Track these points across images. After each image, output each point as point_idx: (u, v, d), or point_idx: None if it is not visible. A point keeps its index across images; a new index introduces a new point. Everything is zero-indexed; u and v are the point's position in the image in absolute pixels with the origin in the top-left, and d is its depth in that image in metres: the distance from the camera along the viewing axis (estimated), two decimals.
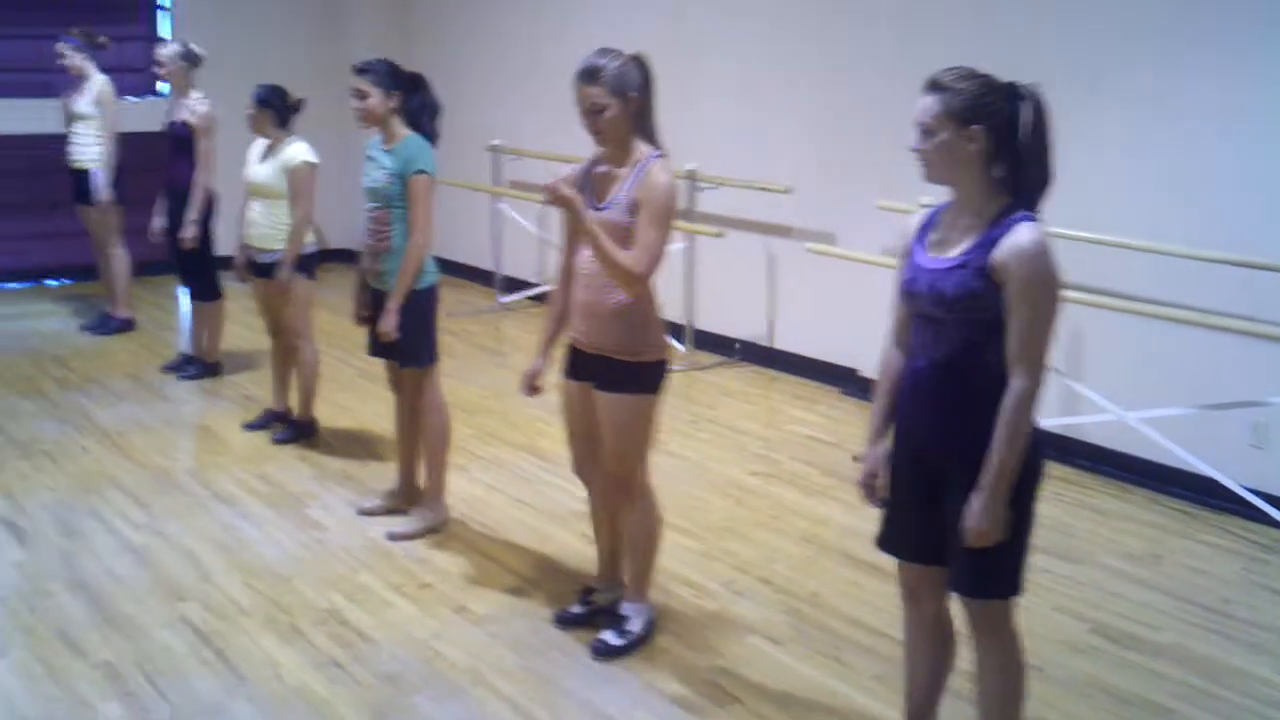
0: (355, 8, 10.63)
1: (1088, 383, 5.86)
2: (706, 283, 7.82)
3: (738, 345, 7.97)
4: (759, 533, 5.22)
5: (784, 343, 7.74)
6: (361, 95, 4.79)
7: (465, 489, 5.50)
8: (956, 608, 3.20)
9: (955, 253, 2.96)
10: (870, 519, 5.24)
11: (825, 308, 7.38)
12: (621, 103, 3.77)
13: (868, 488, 3.28)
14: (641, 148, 3.85)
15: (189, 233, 6.93)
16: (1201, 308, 5.41)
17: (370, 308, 5.02)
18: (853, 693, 3.93)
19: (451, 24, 10.17)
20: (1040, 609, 4.44)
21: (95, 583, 4.56)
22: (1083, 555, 4.99)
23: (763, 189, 7.35)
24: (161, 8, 9.98)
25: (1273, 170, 5.30)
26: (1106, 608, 4.56)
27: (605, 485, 4.16)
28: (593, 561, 4.53)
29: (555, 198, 3.73)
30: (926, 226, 3.10)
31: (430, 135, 4.92)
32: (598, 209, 3.84)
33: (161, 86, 9.81)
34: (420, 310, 4.89)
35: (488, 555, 4.91)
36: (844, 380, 7.30)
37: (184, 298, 8.25)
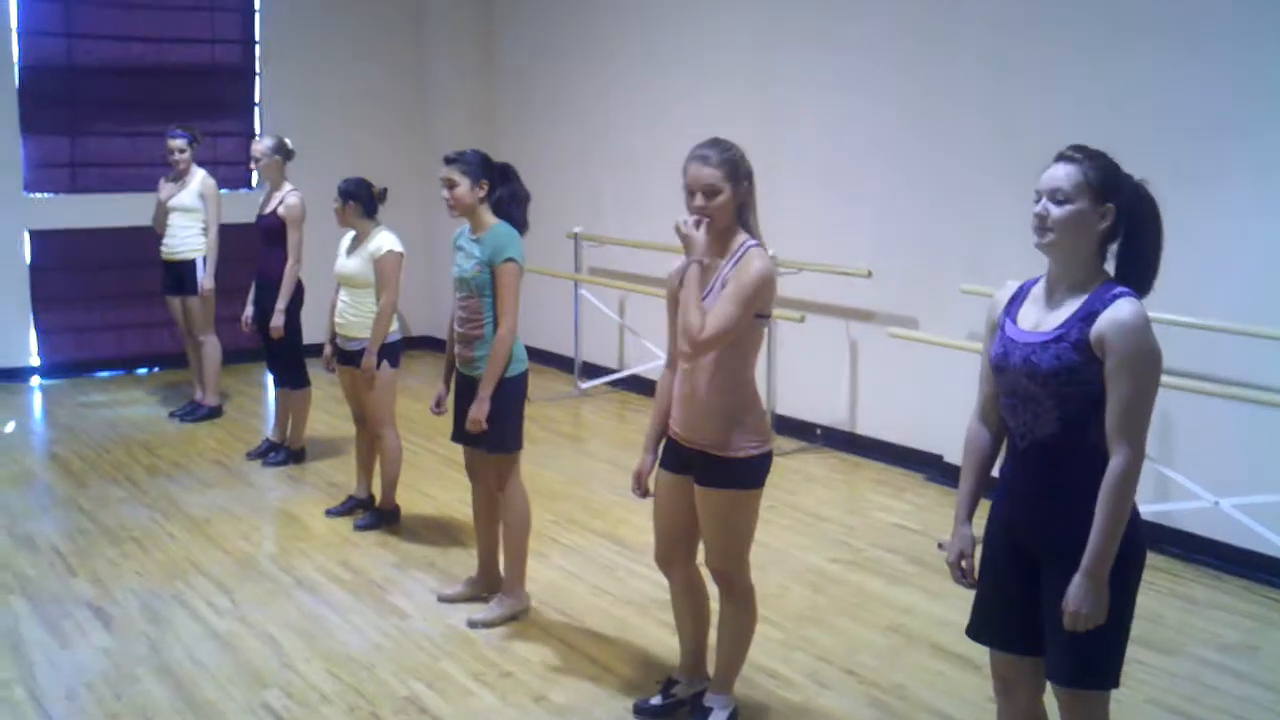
0: (440, 98, 10.83)
1: (1178, 468, 5.73)
2: (787, 367, 7.78)
3: (819, 430, 7.91)
4: (842, 622, 5.13)
5: (866, 428, 7.67)
6: (451, 185, 4.86)
7: (545, 576, 5.48)
8: (1050, 702, 3.12)
9: (1052, 325, 2.93)
10: (957, 608, 5.18)
11: (909, 393, 7.31)
12: (733, 188, 3.79)
13: (957, 568, 3.21)
14: (741, 236, 3.85)
15: (277, 321, 7.05)
16: None
17: (458, 395, 5.05)
18: None
19: (535, 112, 10.32)
20: (1133, 701, 4.31)
21: (179, 669, 4.59)
22: (1176, 646, 4.85)
23: (843, 273, 7.33)
24: (255, 104, 10.24)
25: None
26: (1203, 701, 4.41)
27: (693, 577, 4.13)
28: (673, 651, 4.48)
29: (683, 233, 3.77)
30: (1016, 299, 3.07)
31: (519, 224, 4.97)
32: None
33: (254, 180, 10.11)
34: (509, 397, 4.91)
35: (568, 643, 4.87)
36: (929, 466, 7.21)
37: (270, 385, 8.39)
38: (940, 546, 5.88)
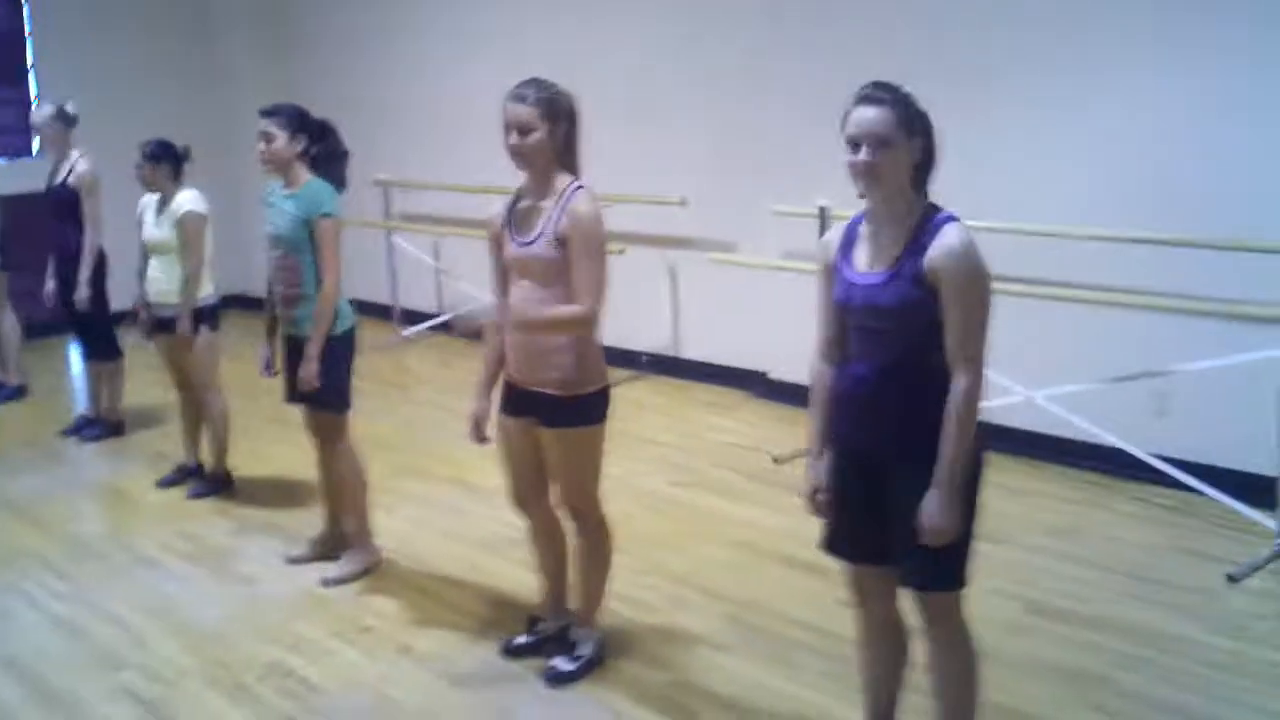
0: (228, 51, 10.51)
1: (992, 367, 5.99)
2: (610, 298, 7.80)
3: (645, 358, 8.02)
4: (690, 543, 5.27)
5: (690, 352, 7.82)
6: (269, 138, 4.74)
7: (393, 526, 5.47)
8: (905, 603, 3.28)
9: (886, 264, 3.02)
10: (798, 520, 5.34)
11: (729, 315, 7.48)
12: (549, 127, 3.78)
13: (813, 502, 3.33)
14: (564, 178, 3.86)
15: (82, 294, 6.78)
16: (1096, 285, 5.58)
17: (286, 355, 4.97)
18: (805, 692, 3.99)
19: (327, 60, 10.09)
20: (973, 592, 4.50)
21: (26, 660, 4.44)
22: (1005, 535, 5.11)
23: (659, 202, 7.41)
24: (29, 68, 9.73)
25: (1161, 144, 5.50)
26: (1036, 584, 4.69)
27: (548, 516, 4.18)
28: (532, 589, 4.54)
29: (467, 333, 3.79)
30: (848, 241, 3.15)
31: (338, 182, 4.89)
32: (524, 244, 3.85)
33: (35, 147, 9.64)
34: (337, 356, 4.85)
35: (425, 592, 4.88)
36: (754, 384, 7.39)
37: (76, 359, 8.07)
38: (776, 461, 6.11)
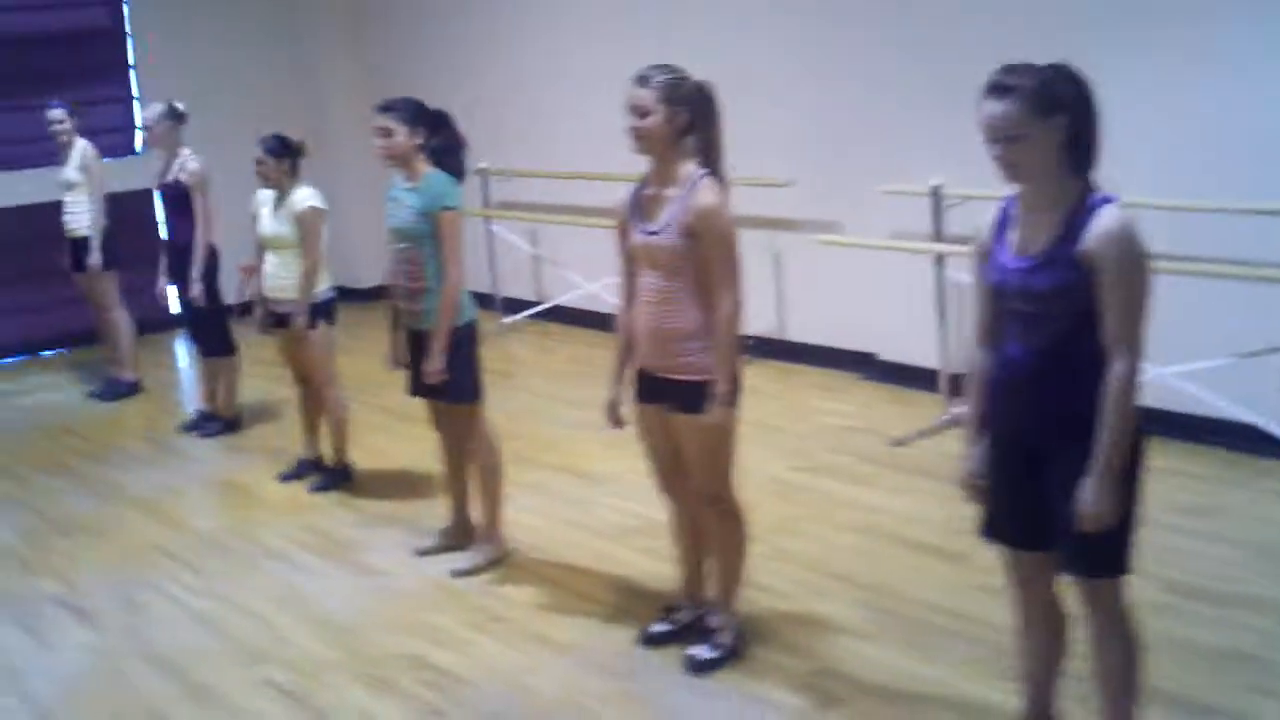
0: (319, 45, 10.61)
1: None
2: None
3: (751, 341, 7.96)
4: (817, 528, 5.23)
5: (797, 335, 7.76)
6: (386, 133, 4.75)
7: (514, 516, 5.45)
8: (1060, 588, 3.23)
9: (1040, 248, 2.96)
10: (921, 502, 5.35)
11: (836, 296, 7.41)
12: (667, 112, 3.76)
13: (972, 488, 3.28)
14: (688, 167, 3.83)
15: (194, 290, 6.87)
16: (1226, 259, 5.45)
17: (410, 349, 4.99)
18: (953, 679, 3.94)
19: (419, 51, 10.13)
20: None
21: (171, 655, 4.51)
22: (1142, 515, 5.00)
23: (765, 184, 7.35)
24: (130, 67, 9.87)
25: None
26: (1178, 565, 4.59)
27: (691, 502, 4.16)
28: (661, 577, 4.54)
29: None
30: (1002, 223, 3.09)
31: (457, 172, 4.89)
32: (649, 233, 3.84)
33: (139, 145, 9.78)
34: (462, 347, 4.87)
35: (555, 582, 4.89)
36: (863, 366, 7.33)
37: (186, 354, 8.18)
38: (896, 444, 6.05)
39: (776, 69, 7.45)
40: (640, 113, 3.77)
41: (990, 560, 4.66)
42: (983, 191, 6.04)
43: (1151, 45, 5.69)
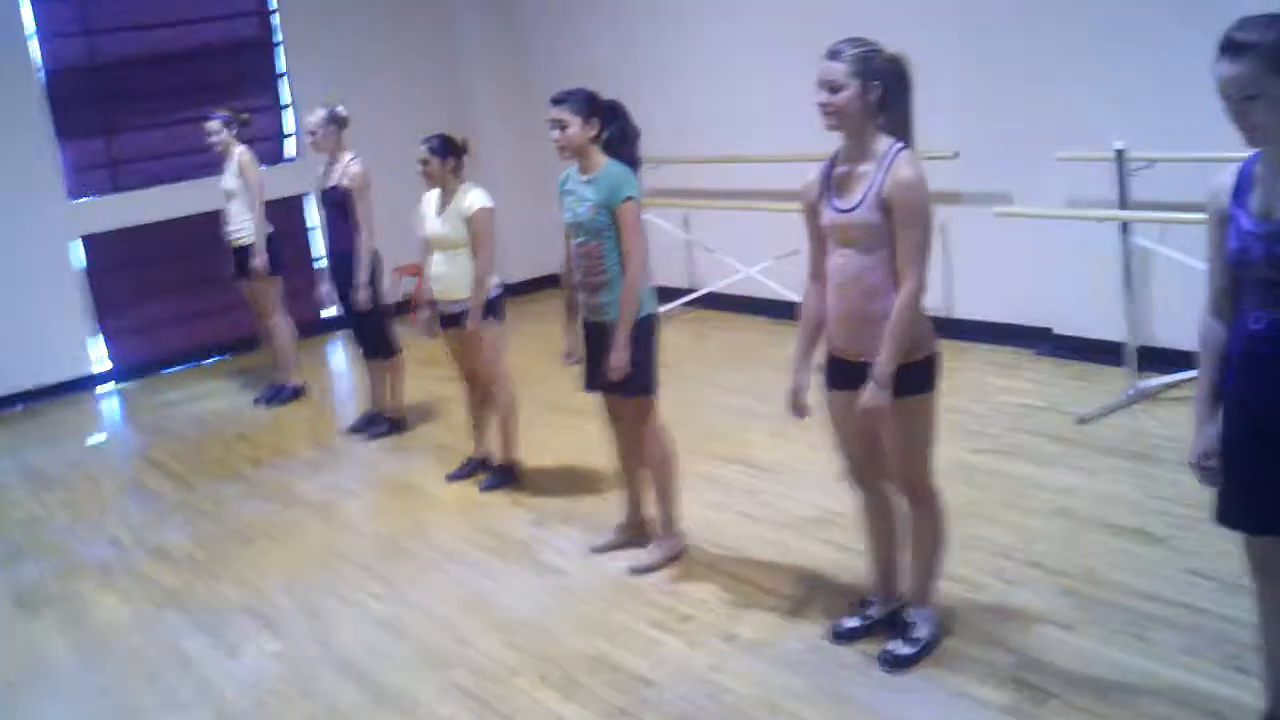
0: (467, 42, 10.62)
1: None
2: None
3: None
4: (1006, 513, 5.02)
5: (966, 311, 7.50)
6: (562, 125, 4.67)
7: (689, 510, 5.34)
8: None
9: None
10: (1115, 482, 5.10)
11: (1006, 269, 7.14)
12: (860, 86, 3.60)
13: (1204, 469, 3.06)
14: (884, 141, 3.67)
15: (360, 295, 6.89)
16: None
17: (588, 341, 4.91)
18: (1169, 671, 3.72)
19: (568, 43, 10.09)
20: None
21: (358, 661, 4.50)
22: None
23: (929, 157, 7.08)
24: (280, 75, 10.01)
25: None
26: None
27: (883, 492, 4.00)
28: (848, 569, 4.40)
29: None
30: (1242, 186, 2.86)
31: (632, 162, 4.79)
32: (845, 210, 3.68)
33: (291, 152, 9.93)
34: (644, 340, 4.77)
35: (737, 577, 4.77)
36: (1039, 340, 7.05)
37: (346, 357, 8.23)
38: (1079, 421, 5.79)
39: (933, 39, 7.18)
40: (832, 88, 3.62)
41: (1197, 542, 4.46)
42: (1168, 154, 5.79)
43: None
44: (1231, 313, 2.94)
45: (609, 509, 5.41)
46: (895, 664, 3.94)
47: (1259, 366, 2.86)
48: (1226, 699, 3.51)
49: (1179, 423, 5.52)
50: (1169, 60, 5.84)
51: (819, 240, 3.85)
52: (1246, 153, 2.85)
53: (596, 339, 4.83)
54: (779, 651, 4.16)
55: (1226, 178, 2.91)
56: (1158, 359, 6.10)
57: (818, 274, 3.88)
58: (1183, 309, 4.57)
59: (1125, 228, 6.01)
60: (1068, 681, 3.73)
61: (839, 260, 3.74)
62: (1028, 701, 3.66)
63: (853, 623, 4.18)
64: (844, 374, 3.84)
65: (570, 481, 6.04)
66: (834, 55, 3.63)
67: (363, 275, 6.85)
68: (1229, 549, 3.44)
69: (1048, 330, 6.98)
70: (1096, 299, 6.44)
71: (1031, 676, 3.79)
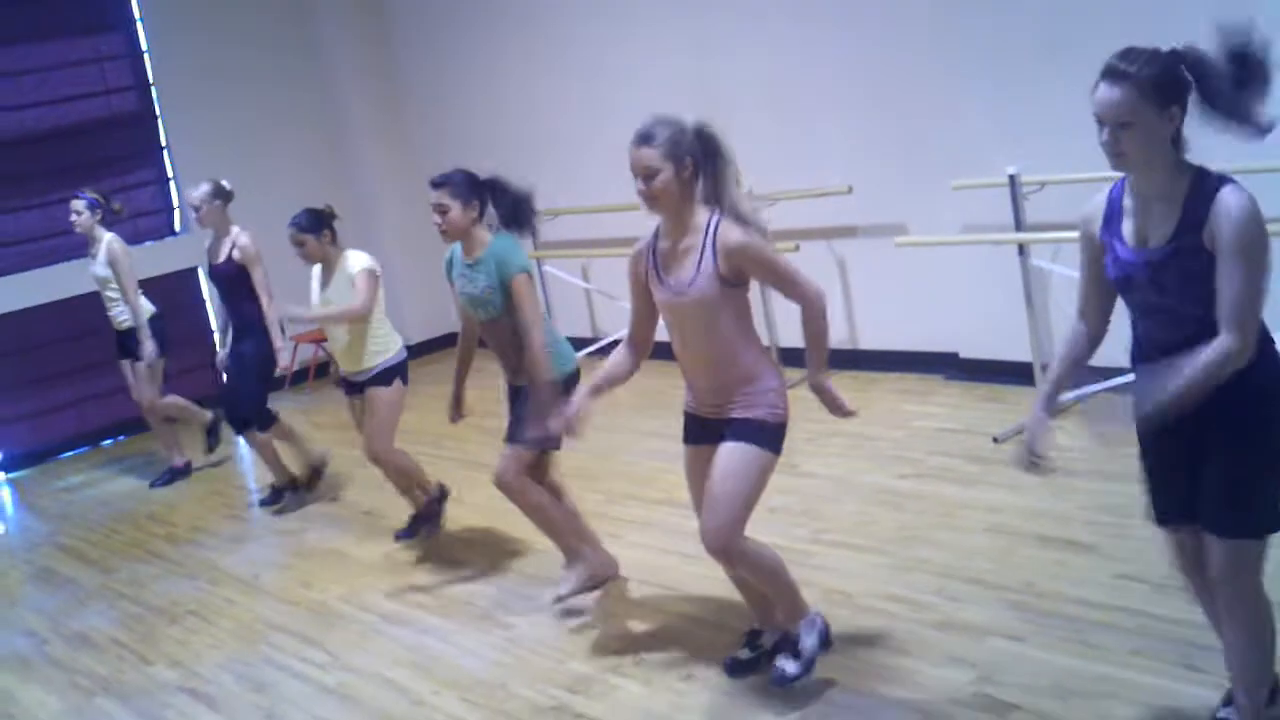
0: (348, 108, 10.56)
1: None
2: (780, 300, 7.68)
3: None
4: (941, 534, 5.12)
5: (870, 342, 7.65)
6: (443, 210, 4.78)
7: (631, 556, 5.36)
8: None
9: (1164, 238, 2.93)
10: (1041, 497, 5.22)
11: (907, 299, 7.31)
12: (675, 168, 3.69)
13: (1030, 456, 3.34)
14: (702, 213, 3.77)
15: (280, 359, 6.92)
16: None
17: (512, 400, 5.06)
18: (1122, 673, 3.82)
19: (447, 106, 10.10)
20: None
21: None
22: None
23: (823, 194, 7.27)
24: (163, 148, 9.84)
25: None
26: None
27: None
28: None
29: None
30: (1112, 218, 3.05)
31: (529, 229, 4.97)
32: (678, 290, 3.80)
33: (178, 225, 9.76)
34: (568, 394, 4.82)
35: (686, 616, 4.79)
36: (945, 366, 7.22)
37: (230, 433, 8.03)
38: (996, 441, 5.93)
39: (819, 79, 7.38)
40: (648, 175, 3.71)
41: (1124, 548, 4.60)
42: (1058, 176, 6.00)
43: None
44: (1096, 319, 3.20)
45: (542, 561, 5.40)
46: (783, 681, 3.99)
47: (1152, 374, 3.02)
48: (1188, 695, 3.61)
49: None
50: (1053, 88, 6.07)
51: (646, 307, 4.01)
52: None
53: (518, 398, 4.98)
54: (739, 685, 4.18)
55: (1094, 208, 3.11)
56: None
57: (633, 341, 4.11)
58: None
59: (1022, 250, 6.21)
60: (1028, 691, 3.82)
61: (687, 335, 3.88)
62: (991, 714, 3.73)
63: (744, 654, 4.24)
64: (704, 429, 3.96)
65: (499, 536, 6.00)
66: (645, 140, 3.71)
67: (278, 342, 6.79)
68: (1154, 552, 3.67)
69: (954, 355, 7.16)
70: (1000, 321, 6.63)
71: (993, 690, 3.86)
